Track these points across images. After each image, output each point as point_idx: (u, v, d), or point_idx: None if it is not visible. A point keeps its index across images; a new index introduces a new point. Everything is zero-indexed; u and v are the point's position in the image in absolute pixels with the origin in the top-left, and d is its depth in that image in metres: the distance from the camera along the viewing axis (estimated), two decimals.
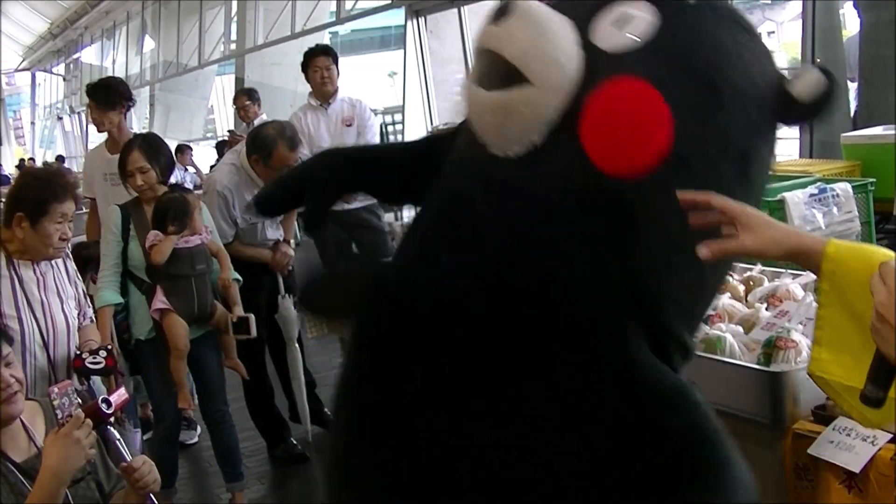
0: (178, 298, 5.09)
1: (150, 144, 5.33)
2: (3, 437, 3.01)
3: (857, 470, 2.51)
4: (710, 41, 1.97)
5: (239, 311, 5.31)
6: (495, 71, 1.91)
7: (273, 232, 6.21)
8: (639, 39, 1.92)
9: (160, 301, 5.06)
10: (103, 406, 2.95)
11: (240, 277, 5.42)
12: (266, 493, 5.98)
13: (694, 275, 1.92)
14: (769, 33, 19.80)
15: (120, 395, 3.09)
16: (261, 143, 5.80)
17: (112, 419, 3.03)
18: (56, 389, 2.97)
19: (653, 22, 1.93)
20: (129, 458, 3.01)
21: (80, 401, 2.95)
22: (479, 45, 1.99)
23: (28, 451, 3.08)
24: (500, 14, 1.91)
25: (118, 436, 3.05)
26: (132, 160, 5.20)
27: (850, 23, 8.46)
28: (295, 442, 6.28)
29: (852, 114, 7.65)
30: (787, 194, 4.37)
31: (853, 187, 4.50)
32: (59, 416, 2.92)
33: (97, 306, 4.98)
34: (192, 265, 5.09)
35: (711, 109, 1.89)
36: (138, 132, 6.79)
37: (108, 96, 6.91)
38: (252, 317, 5.30)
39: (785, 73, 2.04)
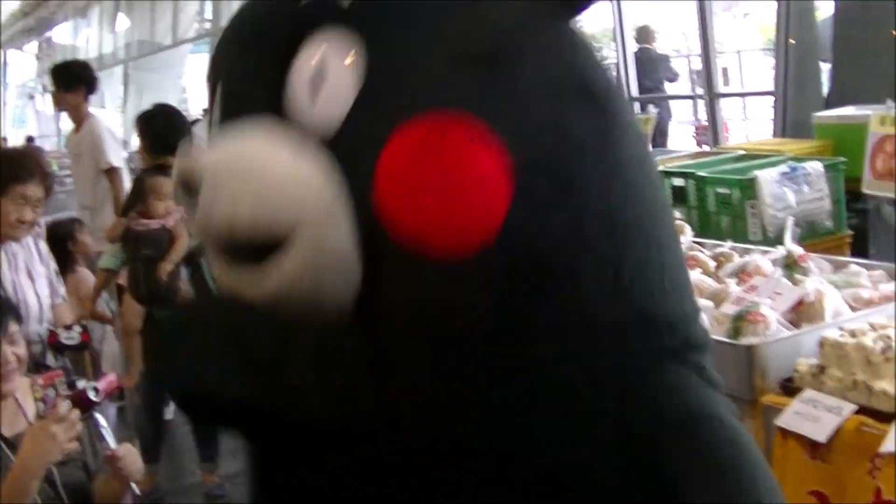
0: (130, 279, 5.20)
1: (149, 118, 5.44)
2: None
3: (822, 440, 2.54)
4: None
5: None
6: (234, 251, 1.36)
7: None
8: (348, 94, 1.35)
9: (121, 279, 5.14)
10: (91, 394, 2.98)
11: None
12: (240, 469, 5.99)
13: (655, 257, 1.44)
14: (745, 14, 19.85)
15: (109, 382, 3.13)
16: None
17: (98, 406, 3.05)
18: (41, 381, 2.99)
19: (352, 64, 1.35)
20: (113, 445, 3.03)
21: (68, 392, 2.97)
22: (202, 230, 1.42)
23: (18, 426, 3.10)
24: (189, 191, 1.36)
25: (104, 423, 3.07)
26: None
27: (825, 5, 8.49)
28: None
29: (825, 94, 7.69)
30: (758, 172, 4.40)
31: (824, 166, 4.53)
32: (42, 409, 2.95)
33: (98, 267, 5.44)
34: (137, 248, 5.11)
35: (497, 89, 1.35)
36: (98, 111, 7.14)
37: (68, 78, 7.10)
38: None
39: None
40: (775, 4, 7.86)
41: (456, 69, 1.33)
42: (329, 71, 1.34)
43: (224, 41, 1.56)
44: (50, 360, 4.21)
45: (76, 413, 2.91)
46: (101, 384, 3.06)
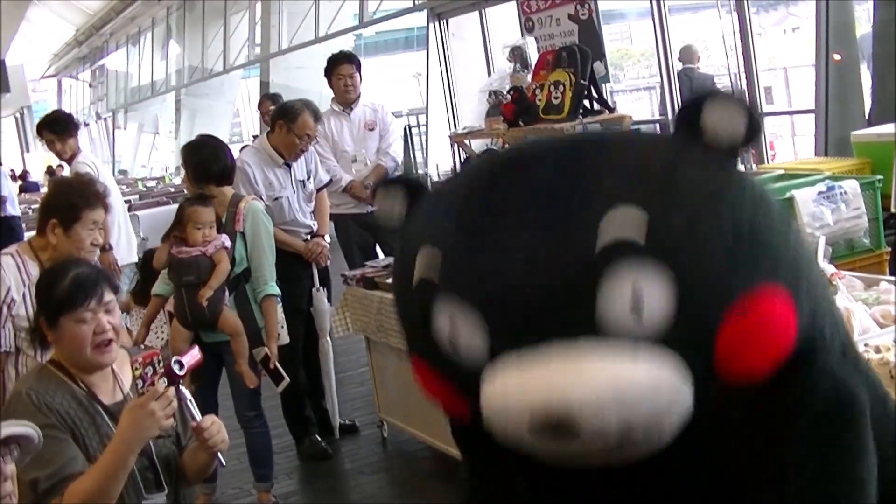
0: (175, 305, 5.36)
1: (192, 148, 5.69)
2: (94, 379, 3.23)
3: None
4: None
5: (270, 347, 5.46)
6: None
7: (304, 217, 6.46)
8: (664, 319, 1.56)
9: (170, 304, 5.32)
10: (175, 367, 3.11)
11: (277, 292, 5.52)
12: (295, 489, 6.13)
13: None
14: (794, 29, 19.70)
15: (193, 356, 3.24)
16: (287, 109, 6.33)
17: (182, 380, 3.18)
18: (140, 359, 3.12)
19: (666, 282, 1.56)
20: (198, 417, 3.18)
21: (163, 370, 3.10)
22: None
23: (115, 396, 3.28)
24: (562, 434, 1.52)
25: (189, 395, 3.20)
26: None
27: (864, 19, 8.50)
28: (319, 438, 6.44)
29: (867, 111, 7.70)
30: (795, 192, 4.46)
31: (861, 184, 4.58)
32: (140, 386, 3.09)
33: (152, 293, 5.54)
34: (179, 276, 5.26)
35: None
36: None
37: (66, 128, 8.01)
38: (280, 371, 5.50)
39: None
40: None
41: (731, 258, 1.60)
42: (646, 291, 1.53)
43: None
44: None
45: (172, 391, 3.06)
46: (185, 358, 3.19)
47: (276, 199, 6.26)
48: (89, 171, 7.61)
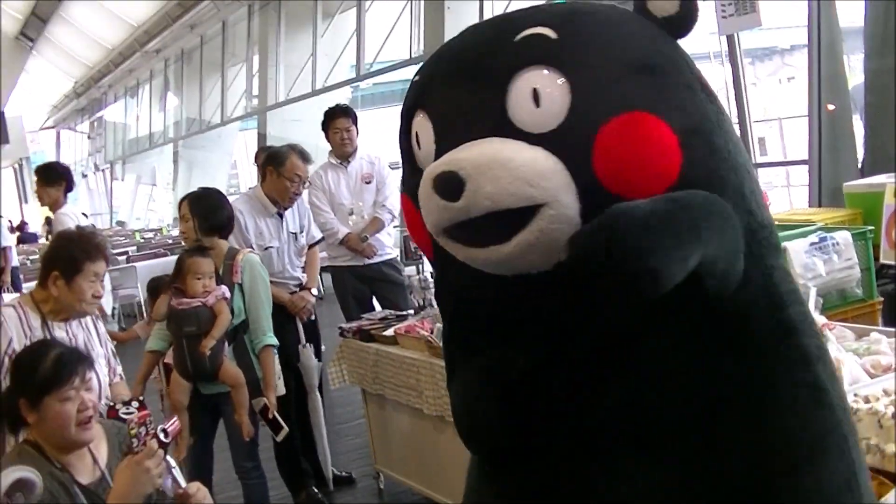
0: (175, 356, 5.35)
1: (197, 197, 5.66)
2: (72, 458, 3.26)
3: None
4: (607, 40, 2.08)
5: (269, 397, 5.47)
6: (488, 224, 1.91)
7: (294, 270, 6.49)
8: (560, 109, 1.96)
9: (168, 357, 5.32)
10: (161, 435, 3.16)
11: (275, 342, 5.56)
12: None
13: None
14: (789, 79, 19.82)
15: (175, 426, 3.31)
16: (274, 154, 6.43)
17: (167, 447, 3.23)
18: (135, 419, 3.17)
19: (561, 82, 1.97)
20: (184, 484, 3.22)
21: (154, 432, 3.15)
22: (446, 222, 1.96)
23: (93, 474, 3.32)
24: (452, 191, 1.90)
25: (174, 463, 3.25)
26: (182, 209, 5.60)
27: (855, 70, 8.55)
28: (316, 490, 6.42)
29: (860, 162, 7.73)
30: (788, 244, 4.46)
31: (853, 235, 4.60)
32: (135, 445, 3.13)
33: (146, 349, 5.52)
34: (181, 327, 5.26)
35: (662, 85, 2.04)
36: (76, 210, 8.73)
37: (50, 175, 8.45)
38: (279, 421, 5.50)
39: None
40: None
41: (631, 78, 1.99)
42: (546, 90, 1.96)
43: (438, 73, 2.18)
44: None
45: (161, 453, 3.11)
46: (170, 427, 3.24)
47: (266, 248, 6.30)
48: (70, 223, 7.74)
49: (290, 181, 6.27)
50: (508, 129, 1.96)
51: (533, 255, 1.93)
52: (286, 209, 6.43)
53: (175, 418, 3.44)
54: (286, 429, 5.55)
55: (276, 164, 6.31)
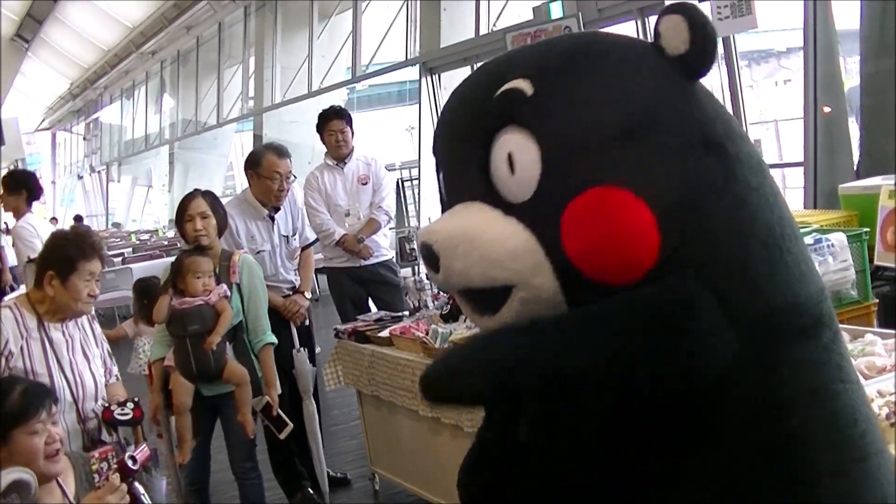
0: (177, 357, 5.31)
1: (214, 197, 5.63)
2: (41, 493, 3.23)
3: None
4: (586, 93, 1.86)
5: (271, 395, 5.50)
6: (472, 296, 1.90)
7: (286, 273, 6.51)
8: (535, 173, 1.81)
9: (168, 358, 5.30)
10: (129, 462, 3.18)
11: (274, 340, 5.59)
12: None
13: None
14: (786, 81, 19.80)
15: (143, 453, 3.32)
16: (251, 157, 6.48)
17: (136, 474, 3.23)
18: (97, 454, 3.19)
19: (533, 148, 1.81)
20: None
21: (117, 465, 3.16)
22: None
23: None
24: (432, 264, 1.87)
25: (142, 491, 3.27)
26: (195, 205, 5.51)
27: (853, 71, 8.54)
28: (311, 492, 6.42)
29: (856, 164, 7.73)
30: None
31: (849, 237, 4.59)
32: (97, 480, 3.14)
33: (150, 360, 5.51)
34: (184, 326, 5.25)
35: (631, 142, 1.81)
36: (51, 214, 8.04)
37: (13, 183, 8.44)
38: (283, 417, 5.55)
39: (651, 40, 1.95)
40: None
41: (608, 145, 1.79)
42: (518, 155, 1.82)
43: (441, 125, 2.06)
44: (105, 435, 4.41)
45: (125, 487, 3.11)
46: (138, 454, 3.26)
47: (258, 252, 6.28)
48: (29, 235, 7.77)
49: (270, 180, 6.27)
50: (491, 196, 1.86)
51: None
52: (277, 210, 6.42)
53: (144, 445, 3.46)
54: (290, 425, 5.57)
55: (253, 166, 6.35)
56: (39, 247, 7.76)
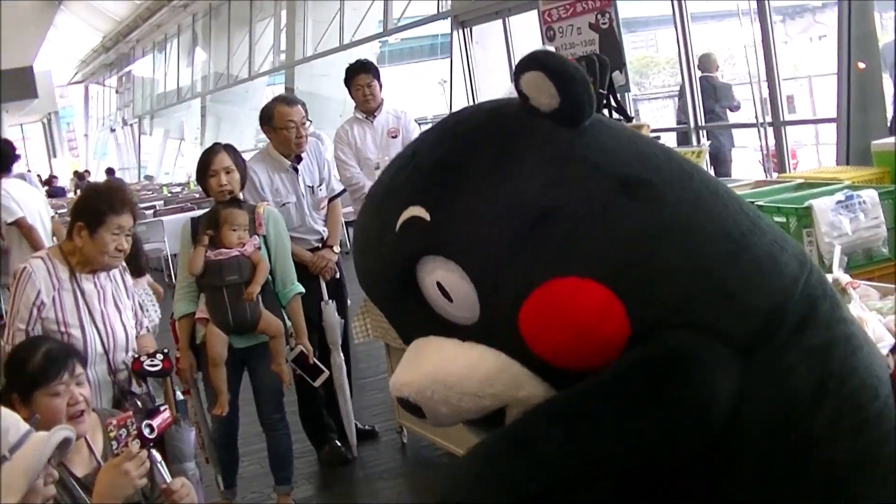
0: (213, 309, 5.31)
1: (234, 150, 5.64)
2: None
3: None
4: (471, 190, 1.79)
5: (304, 343, 5.56)
6: (477, 424, 1.88)
7: (314, 223, 6.49)
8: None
9: (201, 311, 5.31)
10: (146, 430, 3.18)
11: (302, 289, 5.62)
12: (314, 493, 6.17)
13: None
14: (820, 37, 19.63)
15: (164, 419, 3.33)
16: (262, 112, 6.42)
17: (153, 442, 3.24)
18: (114, 421, 3.20)
19: (456, 269, 1.77)
20: (168, 479, 3.24)
21: (136, 431, 3.17)
22: None
23: (89, 465, 3.35)
24: (416, 413, 1.86)
25: (159, 458, 3.26)
26: (218, 160, 5.48)
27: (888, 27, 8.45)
28: (339, 444, 6.46)
29: (889, 120, 7.67)
30: (814, 202, 4.43)
31: (880, 194, 4.56)
32: (115, 447, 3.16)
33: (175, 317, 5.44)
34: (222, 277, 5.26)
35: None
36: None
37: None
38: (318, 365, 5.62)
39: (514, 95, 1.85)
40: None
41: (525, 242, 1.71)
42: (447, 282, 1.77)
43: (360, 277, 2.02)
44: (134, 387, 4.45)
45: (145, 453, 3.12)
46: (156, 421, 3.26)
47: (284, 204, 6.23)
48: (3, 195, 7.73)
49: (286, 129, 6.22)
50: (442, 326, 1.82)
51: None
52: (299, 161, 6.40)
53: (166, 410, 3.46)
54: (327, 372, 5.63)
55: (267, 121, 6.30)
56: (16, 209, 7.81)
